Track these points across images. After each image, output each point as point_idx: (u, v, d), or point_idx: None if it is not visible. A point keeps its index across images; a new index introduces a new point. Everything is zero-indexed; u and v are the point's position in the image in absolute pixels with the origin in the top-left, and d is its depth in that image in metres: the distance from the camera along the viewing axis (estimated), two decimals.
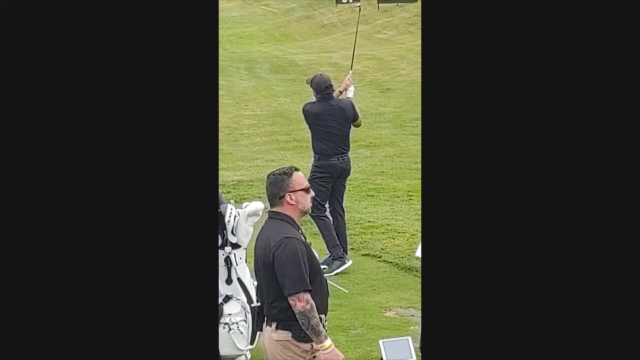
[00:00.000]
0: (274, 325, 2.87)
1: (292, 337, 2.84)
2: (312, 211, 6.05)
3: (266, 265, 2.83)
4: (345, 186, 6.37)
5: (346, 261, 6.03)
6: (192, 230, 1.40)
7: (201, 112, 1.18)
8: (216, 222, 2.52)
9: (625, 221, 1.28)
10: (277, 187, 2.93)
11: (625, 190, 1.29)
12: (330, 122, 6.06)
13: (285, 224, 2.91)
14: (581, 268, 1.31)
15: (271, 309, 2.86)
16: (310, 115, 6.18)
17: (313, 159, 6.16)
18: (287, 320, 2.78)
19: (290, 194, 2.90)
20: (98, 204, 1.27)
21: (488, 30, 1.32)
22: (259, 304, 3.08)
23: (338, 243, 6.03)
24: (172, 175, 1.28)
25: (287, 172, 2.99)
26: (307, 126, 6.40)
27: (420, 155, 1.21)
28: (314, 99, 6.17)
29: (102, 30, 1.08)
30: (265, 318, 2.94)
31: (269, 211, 3.03)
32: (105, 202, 1.26)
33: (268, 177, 3.04)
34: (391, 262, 6.22)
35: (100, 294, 1.34)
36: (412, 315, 5.18)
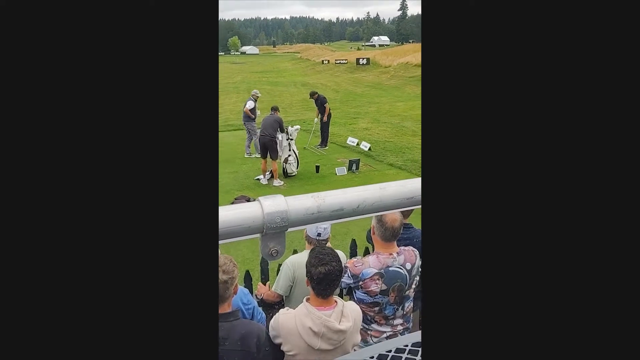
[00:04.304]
0: None
1: None
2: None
3: None
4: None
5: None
6: (191, 228, 1.10)
7: (201, 112, 1.17)
8: (216, 220, 2.31)
9: (625, 220, 1.18)
10: None
11: (626, 190, 1.20)
12: None
13: None
14: (581, 268, 1.21)
15: None
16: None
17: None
18: None
19: None
20: (95, 199, 1.04)
21: (488, 31, 1.26)
22: None
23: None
24: (172, 173, 1.15)
25: None
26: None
27: (421, 155, 1.22)
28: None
29: (101, 27, 1.00)
30: None
31: None
32: (103, 199, 1.05)
33: None
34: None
35: (97, 288, 0.99)
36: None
